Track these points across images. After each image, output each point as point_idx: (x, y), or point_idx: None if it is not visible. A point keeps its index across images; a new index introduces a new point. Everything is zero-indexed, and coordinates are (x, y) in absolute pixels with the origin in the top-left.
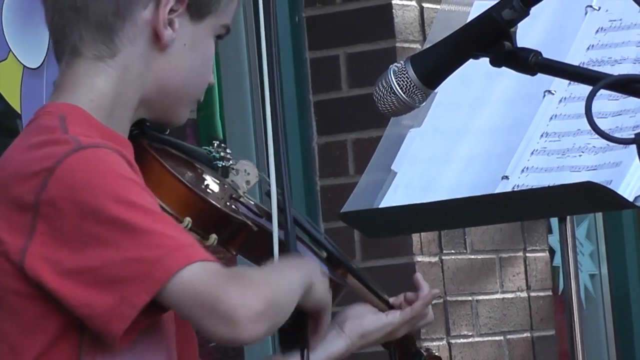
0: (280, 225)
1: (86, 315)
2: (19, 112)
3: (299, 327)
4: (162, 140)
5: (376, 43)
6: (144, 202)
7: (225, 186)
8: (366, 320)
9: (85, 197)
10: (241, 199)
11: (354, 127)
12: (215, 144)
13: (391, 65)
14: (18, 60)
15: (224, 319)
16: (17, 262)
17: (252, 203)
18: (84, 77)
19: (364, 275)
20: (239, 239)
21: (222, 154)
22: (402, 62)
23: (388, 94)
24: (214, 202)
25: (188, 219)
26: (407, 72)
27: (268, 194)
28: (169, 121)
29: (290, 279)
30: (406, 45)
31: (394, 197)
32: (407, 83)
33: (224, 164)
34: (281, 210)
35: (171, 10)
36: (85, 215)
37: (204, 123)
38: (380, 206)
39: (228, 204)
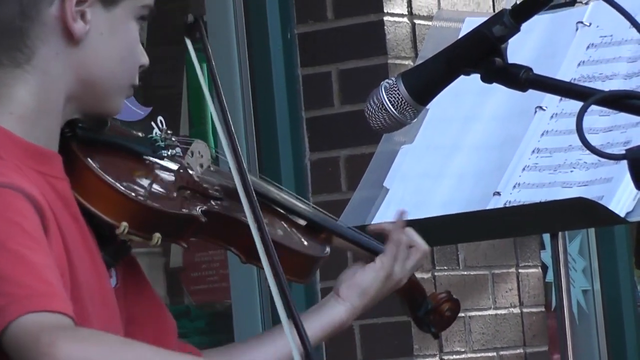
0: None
1: None
2: None
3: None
4: (96, 140)
5: (368, 59)
6: (18, 247)
7: (181, 171)
8: (357, 277)
9: None
10: (193, 186)
11: (346, 144)
12: (163, 131)
13: (382, 82)
14: None
15: None
16: None
17: (213, 181)
18: (3, 88)
19: (347, 232)
20: (188, 232)
21: (167, 142)
22: (393, 78)
23: (379, 110)
24: (148, 203)
25: (124, 224)
26: (398, 89)
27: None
28: (103, 113)
29: None
30: (398, 61)
31: (387, 213)
32: (399, 99)
33: (169, 152)
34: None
35: (79, 2)
36: None
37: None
38: (372, 222)
39: (174, 196)
